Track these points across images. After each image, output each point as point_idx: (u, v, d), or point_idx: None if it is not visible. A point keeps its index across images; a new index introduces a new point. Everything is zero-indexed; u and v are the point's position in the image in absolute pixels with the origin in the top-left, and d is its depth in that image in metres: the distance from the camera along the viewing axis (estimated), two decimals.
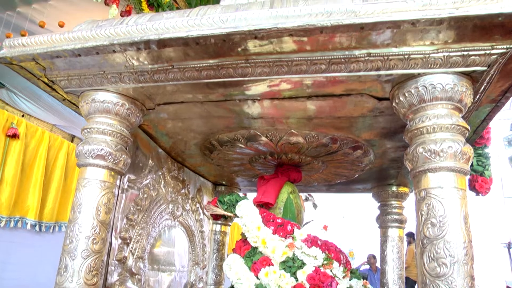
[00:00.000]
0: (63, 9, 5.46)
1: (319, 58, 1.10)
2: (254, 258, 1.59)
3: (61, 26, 5.35)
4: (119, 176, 1.39)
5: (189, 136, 1.72)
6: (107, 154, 1.30)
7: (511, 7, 0.90)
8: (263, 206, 1.74)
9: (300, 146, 1.60)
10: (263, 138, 1.57)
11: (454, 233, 0.99)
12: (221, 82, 1.22)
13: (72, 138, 9.17)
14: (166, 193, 1.90)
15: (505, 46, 1.00)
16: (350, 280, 1.61)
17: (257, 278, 1.50)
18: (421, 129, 1.09)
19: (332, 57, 1.09)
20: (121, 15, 4.95)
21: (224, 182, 2.53)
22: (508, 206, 9.34)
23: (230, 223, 2.56)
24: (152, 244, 1.79)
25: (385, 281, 2.23)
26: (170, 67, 1.20)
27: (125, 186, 1.58)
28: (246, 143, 1.62)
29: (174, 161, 2.02)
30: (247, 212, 1.65)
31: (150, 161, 1.78)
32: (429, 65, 1.06)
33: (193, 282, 2.19)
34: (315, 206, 2.02)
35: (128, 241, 1.57)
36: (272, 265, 1.53)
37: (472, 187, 1.68)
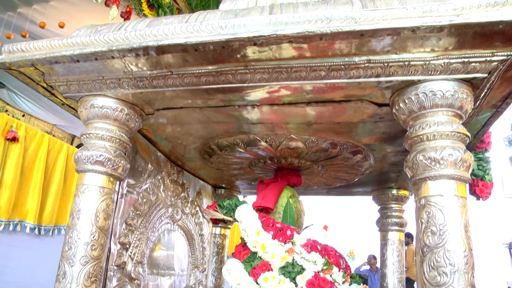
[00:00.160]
0: (64, 9, 5.47)
1: (318, 64, 1.09)
2: (254, 263, 1.58)
3: (61, 27, 5.35)
4: (118, 182, 1.39)
5: (189, 141, 1.71)
6: (106, 160, 1.29)
7: (511, 15, 0.89)
8: (263, 210, 1.74)
9: (300, 151, 1.59)
10: (263, 143, 1.56)
11: (455, 241, 0.98)
12: (220, 88, 1.21)
13: (73, 138, 9.19)
14: (166, 197, 1.90)
15: (505, 53, 0.99)
16: (350, 285, 1.61)
17: (257, 283, 1.50)
18: (421, 136, 1.08)
19: (332, 63, 1.08)
20: (121, 16, 4.95)
21: (223, 185, 2.53)
22: (509, 206, 9.32)
23: (229, 226, 2.56)
24: (152, 248, 1.79)
25: (385, 284, 2.22)
26: (169, 73, 1.20)
27: (124, 191, 1.58)
28: (246, 147, 1.61)
29: (173, 164, 2.01)
30: (246, 217, 1.65)
31: (150, 165, 1.77)
32: (429, 72, 1.05)
33: (193, 286, 2.19)
34: None
35: (127, 246, 1.57)
36: (272, 270, 1.53)
37: (472, 191, 1.67)
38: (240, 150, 1.64)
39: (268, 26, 1.04)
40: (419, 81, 1.08)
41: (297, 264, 1.53)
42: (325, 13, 1.02)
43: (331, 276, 1.54)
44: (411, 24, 0.96)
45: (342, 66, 1.09)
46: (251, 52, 1.08)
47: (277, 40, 1.03)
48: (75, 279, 1.20)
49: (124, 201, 1.57)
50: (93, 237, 1.26)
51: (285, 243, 1.56)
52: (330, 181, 2.00)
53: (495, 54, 1.00)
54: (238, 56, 1.10)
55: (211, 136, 1.62)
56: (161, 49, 1.11)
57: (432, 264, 0.99)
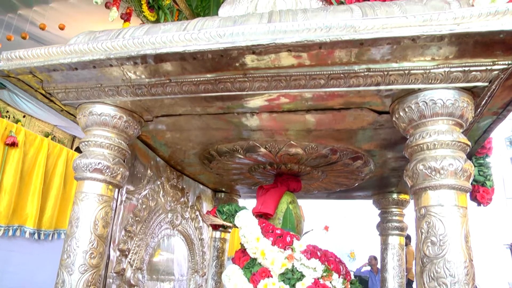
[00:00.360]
0: (64, 11, 5.47)
1: (318, 73, 1.08)
2: (253, 270, 1.57)
3: (62, 28, 5.35)
4: (117, 189, 1.38)
5: (188, 146, 1.71)
6: (105, 168, 1.29)
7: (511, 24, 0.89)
8: (262, 216, 1.73)
9: (300, 157, 1.58)
10: (262, 149, 1.55)
11: (455, 252, 0.98)
12: (219, 96, 1.21)
13: (74, 138, 9.20)
14: (165, 203, 1.89)
15: (506, 62, 0.99)
16: None
17: None
18: (421, 145, 1.07)
19: (331, 72, 1.08)
20: (122, 18, 4.94)
21: (223, 189, 2.52)
22: (510, 207, 9.30)
23: (229, 230, 2.55)
24: (151, 254, 1.78)
25: None
26: (168, 81, 1.19)
27: (124, 198, 1.57)
28: (245, 154, 1.60)
29: (173, 169, 2.01)
30: (246, 223, 1.64)
31: (149, 171, 1.77)
32: (430, 81, 1.05)
33: None
34: None
35: (127, 253, 1.57)
36: (271, 276, 1.52)
37: (473, 197, 1.66)
38: (239, 156, 1.63)
39: (267, 34, 1.03)
40: (419, 90, 1.07)
41: (297, 270, 1.52)
42: (324, 21, 1.01)
43: (331, 282, 1.53)
44: (411, 33, 0.95)
45: (342, 75, 1.08)
46: (249, 60, 1.07)
47: (276, 48, 1.02)
48: None
49: (123, 208, 1.57)
50: (92, 245, 1.25)
51: (284, 250, 1.55)
52: (330, 186, 2.00)
53: (496, 63, 0.99)
54: (237, 64, 1.09)
55: (211, 142, 1.62)
56: (159, 58, 1.10)
57: (432, 275, 0.98)
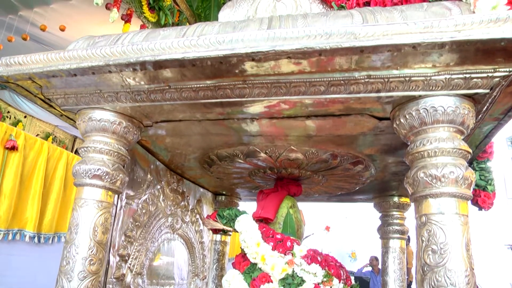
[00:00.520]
0: (65, 12, 5.46)
1: (318, 80, 1.08)
2: (254, 275, 1.57)
3: (62, 30, 5.35)
4: (116, 195, 1.38)
5: (188, 151, 1.70)
6: (104, 174, 1.28)
7: None
8: (263, 220, 1.73)
9: (300, 162, 1.58)
10: (262, 154, 1.55)
11: (456, 261, 0.97)
12: (219, 103, 1.20)
13: (75, 139, 9.21)
14: (165, 207, 1.89)
15: (507, 69, 0.98)
16: None
17: None
18: (422, 152, 1.06)
19: (332, 79, 1.07)
20: (122, 19, 4.94)
21: (224, 192, 2.52)
22: (511, 207, 9.27)
23: (230, 233, 2.54)
24: (151, 258, 1.78)
25: None
26: (167, 87, 1.19)
27: (123, 203, 1.57)
28: (245, 158, 1.60)
29: (173, 173, 2.00)
30: (246, 227, 1.64)
31: (149, 175, 1.76)
32: (431, 87, 1.04)
33: None
34: None
35: (127, 258, 1.56)
36: (272, 282, 1.51)
37: (474, 202, 1.65)
38: (239, 160, 1.63)
39: (267, 41, 1.03)
40: (420, 97, 1.06)
41: (297, 276, 1.51)
42: (324, 28, 1.01)
43: (331, 287, 1.52)
44: (412, 40, 0.94)
45: (342, 82, 1.07)
46: (249, 67, 1.07)
47: (276, 56, 1.01)
48: None
49: (123, 213, 1.56)
50: (91, 251, 1.25)
51: (285, 255, 1.55)
52: (330, 190, 1.99)
53: (497, 70, 0.98)
54: (237, 71, 1.09)
55: (211, 147, 1.61)
56: (158, 64, 1.10)
57: (432, 284, 0.98)
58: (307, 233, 1.90)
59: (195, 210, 2.24)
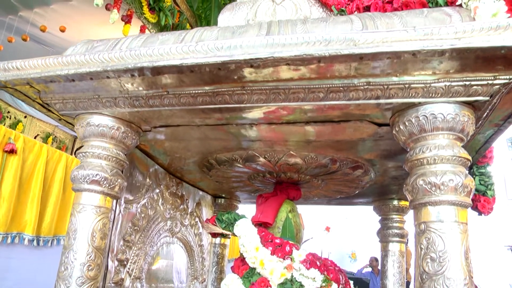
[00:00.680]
0: (65, 13, 5.46)
1: (317, 86, 1.07)
2: (252, 279, 1.57)
3: (63, 31, 5.34)
4: (114, 200, 1.37)
5: (187, 155, 1.70)
6: (102, 180, 1.28)
7: None
8: (262, 225, 1.72)
9: (299, 167, 1.57)
10: (261, 159, 1.54)
11: (455, 269, 0.96)
12: (217, 108, 1.19)
13: (75, 138, 9.20)
14: (165, 211, 1.89)
15: (507, 77, 0.97)
16: None
17: None
18: (421, 159, 1.06)
19: (331, 85, 1.06)
20: (122, 20, 4.93)
21: (223, 195, 2.51)
22: (511, 208, 9.26)
23: (229, 237, 2.54)
24: (150, 262, 1.78)
25: None
26: (165, 93, 1.18)
27: (122, 207, 1.56)
28: (244, 163, 1.59)
29: (172, 176, 2.00)
30: (245, 232, 1.63)
31: (148, 179, 1.76)
32: (430, 94, 1.03)
33: None
34: None
35: (125, 262, 1.56)
36: (270, 286, 1.51)
37: (474, 207, 1.65)
38: (238, 165, 1.62)
39: (265, 47, 1.02)
40: (420, 104, 1.06)
41: (296, 280, 1.51)
42: (323, 34, 1.00)
43: None
44: (412, 47, 0.93)
45: (341, 88, 1.07)
46: (248, 73, 1.06)
47: (274, 62, 1.01)
48: None
49: (122, 217, 1.56)
50: (90, 257, 1.25)
51: (284, 259, 1.54)
52: (330, 193, 1.99)
53: (497, 77, 0.97)
54: (235, 77, 1.08)
55: (210, 151, 1.61)
56: (156, 70, 1.09)
57: None
58: (307, 236, 1.90)
59: (194, 213, 2.23)
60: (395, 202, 2.23)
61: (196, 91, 1.15)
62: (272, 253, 1.55)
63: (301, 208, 2.49)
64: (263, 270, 1.53)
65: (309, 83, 1.07)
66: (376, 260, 7.70)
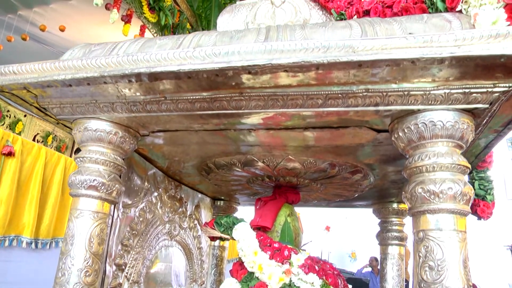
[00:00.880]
0: (64, 12, 5.45)
1: (315, 93, 1.06)
2: (251, 284, 1.56)
3: (62, 30, 5.33)
4: (112, 205, 1.37)
5: (186, 159, 1.69)
6: (100, 185, 1.27)
7: None
8: (260, 228, 1.72)
9: (298, 171, 1.57)
10: (260, 163, 1.54)
11: (453, 278, 0.96)
12: (215, 114, 1.19)
13: None
14: (163, 214, 1.88)
15: (507, 85, 0.96)
16: None
17: None
18: (420, 167, 1.05)
19: (329, 92, 1.06)
20: (122, 19, 4.92)
21: (223, 197, 2.51)
22: (511, 208, 9.26)
23: (228, 239, 2.53)
24: (148, 266, 1.77)
25: None
26: (163, 98, 1.17)
27: (120, 212, 1.56)
28: (243, 167, 1.59)
29: (171, 179, 1.99)
30: (244, 236, 1.63)
31: (146, 183, 1.75)
32: (430, 102, 1.02)
33: None
34: None
35: (123, 267, 1.56)
36: None
37: (474, 211, 1.64)
38: (237, 169, 1.62)
39: (263, 54, 1.01)
40: (419, 111, 1.05)
41: (294, 285, 1.51)
42: (322, 41, 0.99)
43: None
44: (411, 55, 0.92)
45: (340, 95, 1.06)
46: (246, 79, 1.05)
47: (272, 69, 1.00)
48: None
49: (120, 222, 1.55)
50: (87, 263, 1.24)
51: (282, 264, 1.54)
52: (329, 197, 1.98)
53: (497, 85, 0.97)
54: (233, 83, 1.07)
55: (208, 155, 1.60)
56: (154, 76, 1.08)
57: None
58: (307, 238, 1.89)
59: (193, 216, 2.23)
60: (395, 205, 2.23)
61: (194, 97, 1.14)
62: (271, 257, 1.55)
63: (301, 208, 2.49)
64: (262, 275, 1.53)
65: (307, 90, 1.06)
66: (376, 260, 7.71)
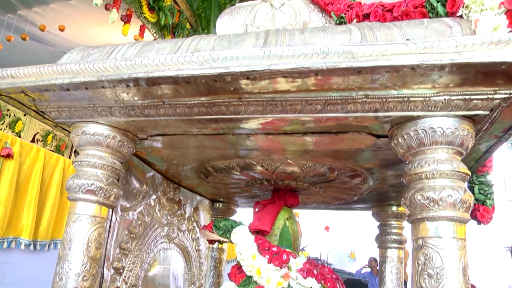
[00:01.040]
0: (64, 12, 5.43)
1: (314, 98, 1.06)
2: (249, 287, 1.56)
3: (62, 30, 5.32)
4: (110, 209, 1.36)
5: (184, 162, 1.69)
6: (98, 189, 1.27)
7: None
8: (259, 232, 1.71)
9: (297, 175, 1.56)
10: (259, 167, 1.53)
11: (452, 286, 0.95)
12: (214, 119, 1.18)
13: None
14: (161, 217, 1.87)
15: (508, 92, 0.95)
16: None
17: None
18: (419, 174, 1.04)
19: (328, 98, 1.05)
20: (122, 19, 4.91)
21: (221, 200, 2.50)
22: (511, 209, 9.26)
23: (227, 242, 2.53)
24: (146, 269, 1.77)
25: None
26: (161, 103, 1.17)
27: (118, 215, 1.55)
28: (242, 171, 1.58)
29: (170, 182, 1.99)
30: (242, 239, 1.62)
31: (145, 186, 1.74)
32: (430, 108, 1.02)
33: None
34: None
35: (121, 270, 1.55)
36: None
37: (473, 216, 1.63)
38: (236, 173, 1.61)
39: (262, 59, 1.00)
40: (419, 117, 1.04)
41: None
42: (321, 46, 0.98)
43: None
44: (411, 62, 0.91)
45: (339, 101, 1.05)
46: (244, 85, 1.05)
47: (271, 75, 0.99)
48: None
49: (118, 225, 1.55)
50: (85, 267, 1.24)
51: (281, 268, 1.53)
52: (328, 200, 1.97)
53: (497, 92, 0.96)
54: (231, 88, 1.07)
55: (207, 159, 1.59)
56: (152, 81, 1.08)
57: None
58: (306, 239, 1.89)
59: (192, 218, 2.22)
60: (394, 208, 2.22)
61: (192, 102, 1.13)
62: (269, 261, 1.54)
63: (301, 208, 2.48)
64: (260, 279, 1.52)
65: (306, 95, 1.06)
66: (375, 260, 7.70)
